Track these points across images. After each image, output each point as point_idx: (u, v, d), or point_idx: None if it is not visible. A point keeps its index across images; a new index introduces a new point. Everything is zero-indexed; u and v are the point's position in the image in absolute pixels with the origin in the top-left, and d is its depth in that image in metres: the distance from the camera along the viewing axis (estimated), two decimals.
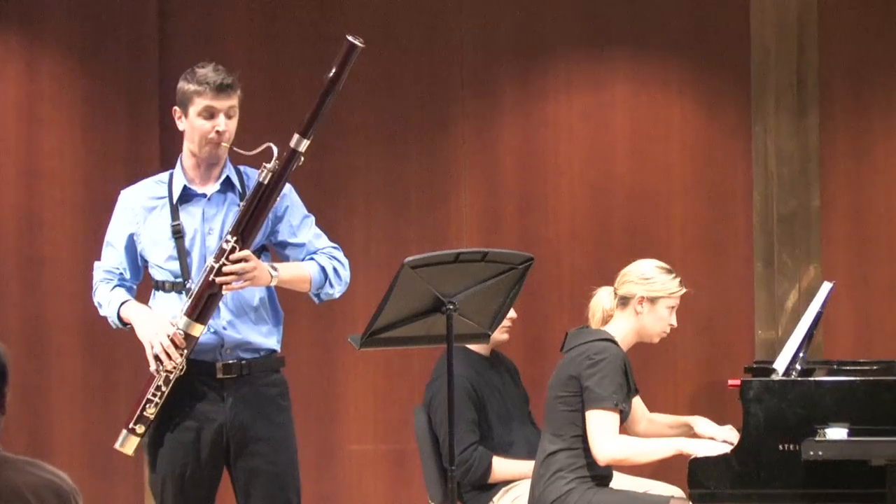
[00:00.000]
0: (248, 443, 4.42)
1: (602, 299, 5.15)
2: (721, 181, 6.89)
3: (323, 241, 4.59)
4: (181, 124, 4.48)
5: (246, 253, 4.33)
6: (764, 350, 6.73)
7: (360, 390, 6.89)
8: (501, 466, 5.49)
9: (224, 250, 4.31)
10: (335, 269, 4.54)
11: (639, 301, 5.05)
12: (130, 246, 4.53)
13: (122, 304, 4.47)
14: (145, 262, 4.53)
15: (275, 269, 4.41)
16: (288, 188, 4.49)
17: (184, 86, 4.45)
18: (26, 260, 6.76)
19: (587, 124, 6.93)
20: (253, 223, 4.35)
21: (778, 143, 6.81)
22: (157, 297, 4.49)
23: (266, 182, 4.34)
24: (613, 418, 4.86)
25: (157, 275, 4.49)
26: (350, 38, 4.33)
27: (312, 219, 4.61)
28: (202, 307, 4.32)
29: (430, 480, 5.61)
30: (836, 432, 4.91)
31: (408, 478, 6.77)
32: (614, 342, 4.98)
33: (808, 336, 5.42)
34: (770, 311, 6.78)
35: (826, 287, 5.60)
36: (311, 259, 4.54)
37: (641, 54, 6.93)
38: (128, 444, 4.40)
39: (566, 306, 6.78)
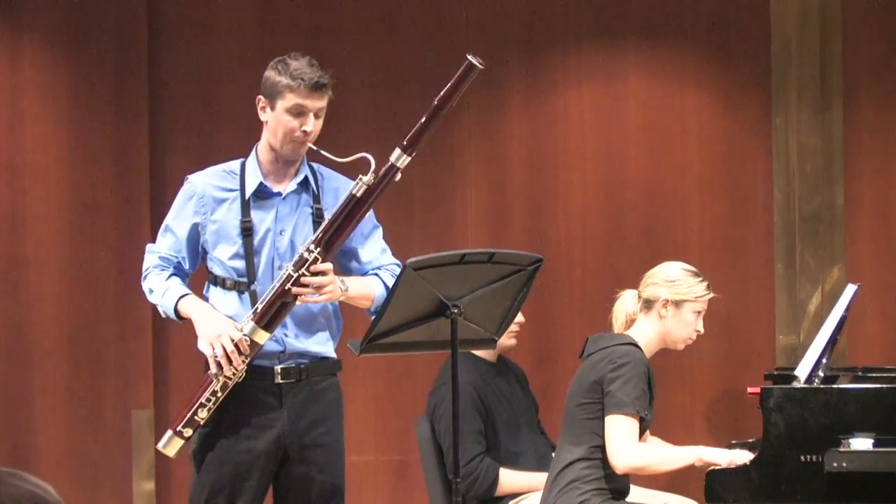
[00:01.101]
0: (304, 450, 4.46)
1: (625, 302, 5.14)
2: (740, 178, 6.89)
3: (388, 257, 4.61)
4: (264, 115, 4.45)
5: (328, 266, 4.33)
6: (785, 356, 6.73)
7: (360, 398, 6.89)
8: (509, 478, 5.49)
9: (305, 260, 4.31)
10: None
11: (663, 304, 5.04)
12: (193, 235, 4.50)
13: (182, 297, 4.44)
14: (205, 252, 4.52)
15: (344, 283, 4.41)
16: None
17: (274, 77, 4.41)
18: (8, 260, 6.75)
19: (599, 118, 6.93)
20: (337, 235, 4.36)
21: (800, 138, 6.81)
22: (214, 294, 4.48)
23: (360, 195, 4.36)
24: (634, 425, 4.84)
25: (218, 270, 4.48)
26: (470, 57, 4.35)
27: (380, 230, 4.64)
28: (272, 315, 4.32)
29: (433, 493, 5.62)
30: (861, 443, 4.92)
31: (410, 490, 6.78)
32: (638, 347, 4.97)
33: (832, 341, 5.42)
34: (792, 314, 6.79)
35: (850, 289, 5.60)
36: (375, 275, 4.56)
37: (656, 45, 6.93)
38: (171, 446, 4.39)
39: (577, 310, 6.78)
